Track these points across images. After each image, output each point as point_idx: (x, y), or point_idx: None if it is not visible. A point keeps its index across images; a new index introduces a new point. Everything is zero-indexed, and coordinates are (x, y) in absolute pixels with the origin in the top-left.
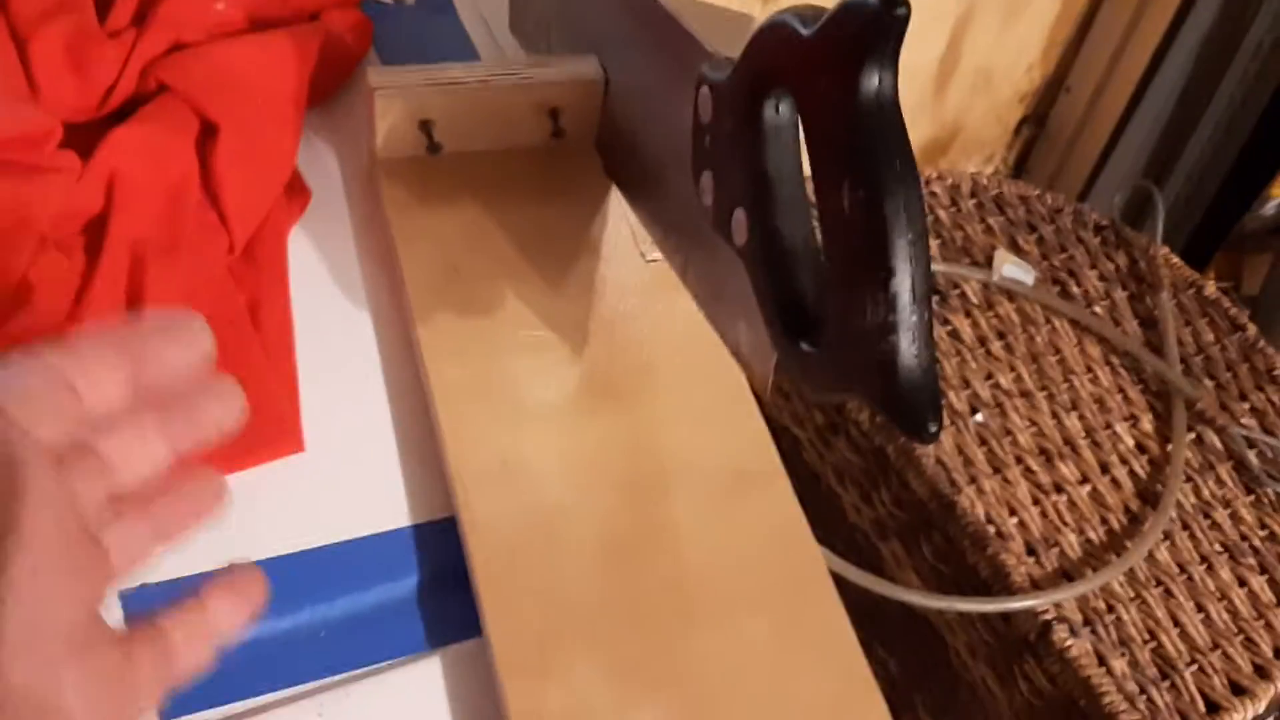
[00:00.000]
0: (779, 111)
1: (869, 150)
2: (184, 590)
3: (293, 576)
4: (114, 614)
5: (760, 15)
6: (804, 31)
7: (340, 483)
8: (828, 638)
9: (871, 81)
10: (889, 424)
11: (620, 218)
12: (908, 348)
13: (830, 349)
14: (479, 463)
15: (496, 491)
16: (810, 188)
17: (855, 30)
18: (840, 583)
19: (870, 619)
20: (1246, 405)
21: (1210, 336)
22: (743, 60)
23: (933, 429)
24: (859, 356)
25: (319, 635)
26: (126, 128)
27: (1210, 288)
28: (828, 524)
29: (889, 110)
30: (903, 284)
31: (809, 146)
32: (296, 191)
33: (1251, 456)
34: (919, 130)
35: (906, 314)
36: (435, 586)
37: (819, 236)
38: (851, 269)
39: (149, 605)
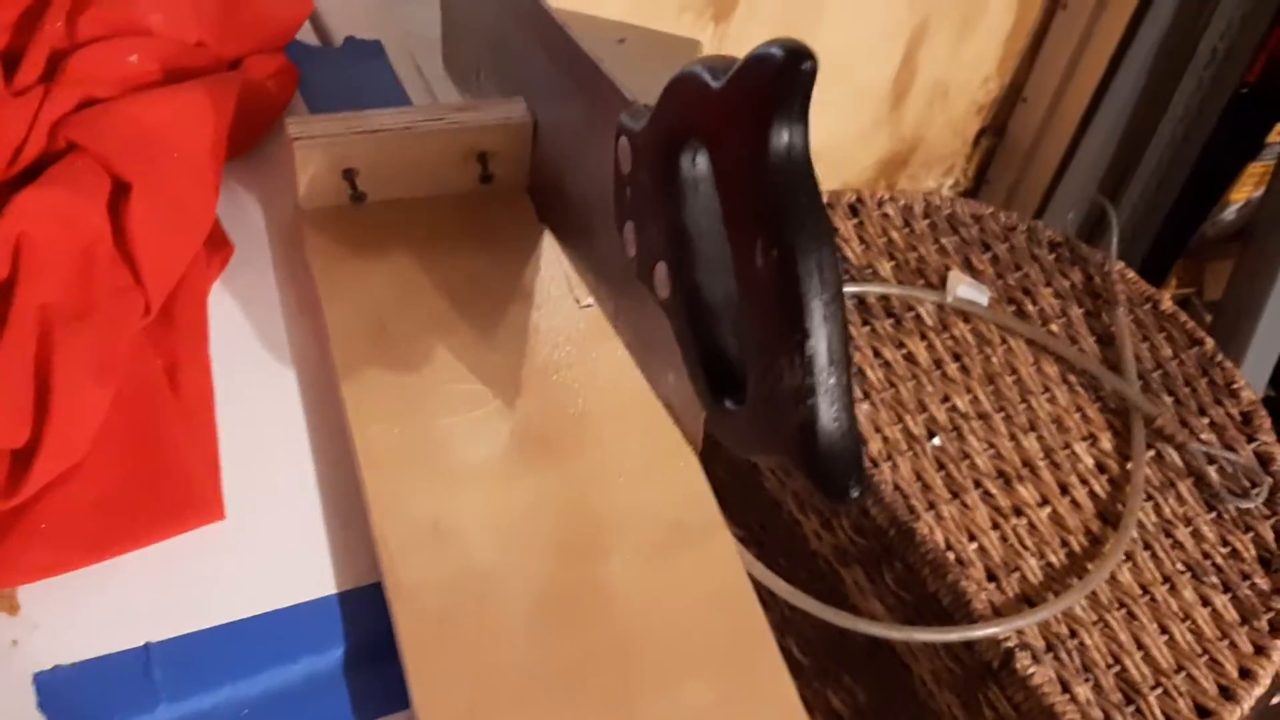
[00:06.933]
0: (696, 164)
1: (781, 209)
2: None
3: (213, 652)
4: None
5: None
6: (713, 84)
7: (263, 551)
8: (774, 703)
9: (781, 138)
10: (813, 487)
11: (554, 263)
12: (826, 410)
13: (752, 409)
14: (405, 525)
15: (424, 555)
16: None
17: (762, 85)
18: (804, 614)
19: (836, 649)
20: (1206, 420)
21: (1168, 351)
22: (657, 111)
23: (854, 493)
24: (779, 419)
25: (242, 715)
26: (33, 190)
27: (1167, 302)
28: (790, 552)
29: (800, 167)
30: (819, 346)
31: (722, 202)
32: (218, 246)
33: (1212, 472)
34: (878, 145)
35: (824, 377)
36: (362, 657)
37: None
38: (768, 330)
39: (64, 687)
